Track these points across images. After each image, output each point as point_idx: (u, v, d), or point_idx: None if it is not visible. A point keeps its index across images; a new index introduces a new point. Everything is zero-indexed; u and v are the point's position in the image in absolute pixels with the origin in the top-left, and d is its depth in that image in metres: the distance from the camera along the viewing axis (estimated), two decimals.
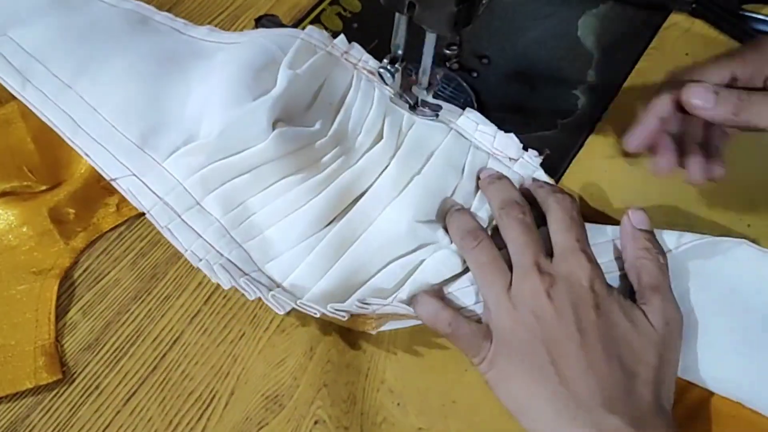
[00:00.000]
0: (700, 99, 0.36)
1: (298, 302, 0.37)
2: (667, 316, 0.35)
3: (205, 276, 0.41)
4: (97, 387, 0.38)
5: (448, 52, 0.49)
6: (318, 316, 0.37)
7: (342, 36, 0.47)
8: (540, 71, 0.51)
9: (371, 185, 0.42)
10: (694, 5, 0.53)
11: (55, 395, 0.38)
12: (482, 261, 0.37)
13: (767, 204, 0.44)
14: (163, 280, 0.41)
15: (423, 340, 0.40)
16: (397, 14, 0.38)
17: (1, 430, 0.37)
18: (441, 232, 0.40)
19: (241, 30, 0.52)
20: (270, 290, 0.38)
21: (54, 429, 0.37)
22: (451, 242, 0.40)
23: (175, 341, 0.40)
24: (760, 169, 0.40)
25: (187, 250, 0.39)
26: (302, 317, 0.40)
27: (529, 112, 0.47)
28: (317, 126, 0.43)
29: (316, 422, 0.37)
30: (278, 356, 0.39)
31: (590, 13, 0.54)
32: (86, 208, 0.43)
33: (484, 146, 0.44)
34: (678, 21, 0.54)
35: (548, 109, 0.49)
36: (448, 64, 0.50)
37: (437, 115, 0.44)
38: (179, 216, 0.40)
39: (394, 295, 0.38)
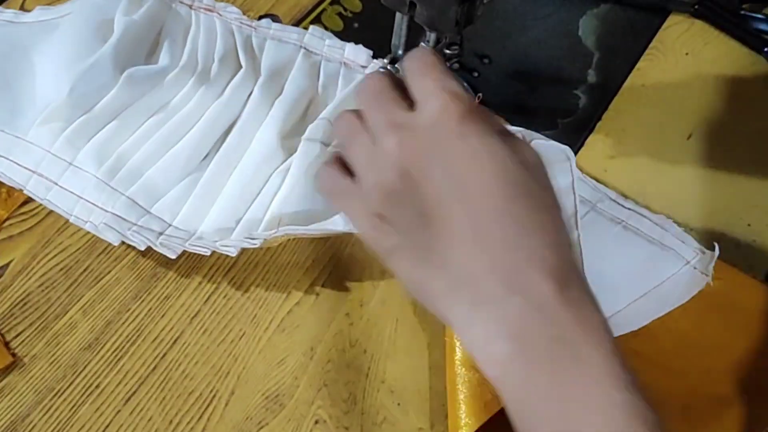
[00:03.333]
0: None
1: (187, 243, 0.39)
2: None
3: (205, 275, 0.41)
4: (97, 386, 0.38)
5: (448, 51, 0.49)
6: (209, 254, 0.38)
7: None
8: (541, 71, 0.51)
9: (240, 113, 0.44)
10: (696, 6, 0.53)
11: (55, 395, 0.38)
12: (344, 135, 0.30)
13: (767, 204, 0.44)
14: (164, 280, 0.41)
15: (423, 340, 0.40)
16: (397, 14, 0.38)
17: (1, 429, 0.37)
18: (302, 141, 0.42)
19: None
20: (160, 234, 0.40)
21: (54, 429, 0.37)
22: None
23: (175, 341, 0.40)
24: (760, 169, 0.40)
25: (70, 216, 0.40)
26: (302, 317, 0.40)
27: (529, 112, 0.47)
28: (165, 62, 0.44)
29: (316, 422, 0.37)
30: (278, 356, 0.39)
31: (591, 13, 0.54)
32: None
33: (334, 58, 0.46)
34: (678, 21, 0.54)
35: (549, 109, 0.49)
36: (448, 64, 0.50)
37: None
38: (56, 183, 0.41)
39: (283, 228, 0.38)
